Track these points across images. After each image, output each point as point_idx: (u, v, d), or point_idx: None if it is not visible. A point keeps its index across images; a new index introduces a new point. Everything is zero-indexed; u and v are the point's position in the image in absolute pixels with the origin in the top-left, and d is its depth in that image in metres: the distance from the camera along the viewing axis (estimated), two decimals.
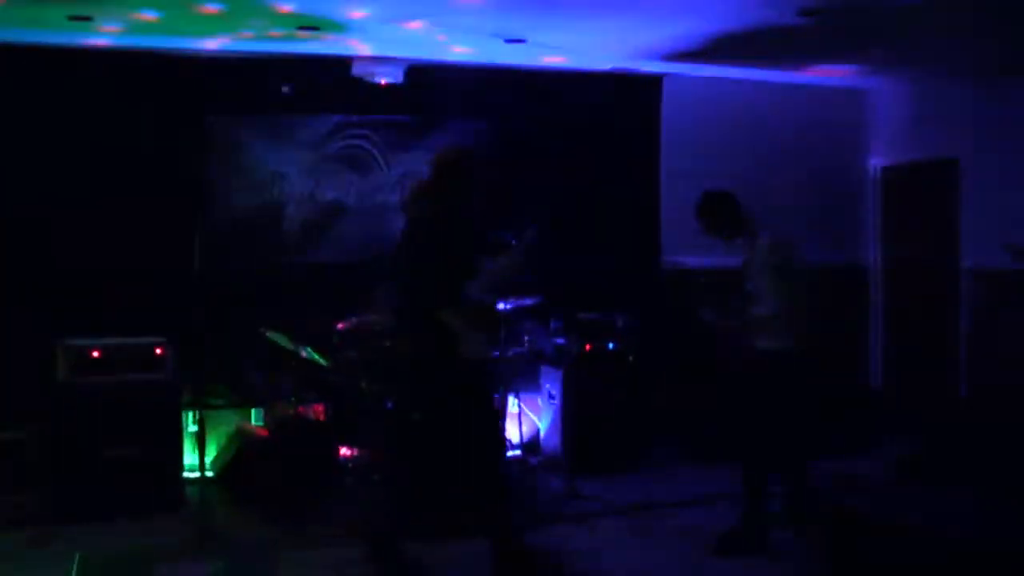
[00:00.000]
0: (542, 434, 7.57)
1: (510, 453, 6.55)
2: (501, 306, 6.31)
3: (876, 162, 8.86)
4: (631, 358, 7.41)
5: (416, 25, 6.20)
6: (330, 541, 5.55)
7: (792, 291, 5.43)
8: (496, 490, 5.11)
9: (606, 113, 7.98)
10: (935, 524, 4.01)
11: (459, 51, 7.09)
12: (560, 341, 7.38)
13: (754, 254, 5.50)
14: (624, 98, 8.07)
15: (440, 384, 5.01)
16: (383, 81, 7.34)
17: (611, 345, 7.44)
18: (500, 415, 5.60)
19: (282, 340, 6.30)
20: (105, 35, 6.36)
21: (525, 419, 7.32)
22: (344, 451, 6.22)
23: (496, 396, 5.63)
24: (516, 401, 6.74)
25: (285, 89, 7.18)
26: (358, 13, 5.90)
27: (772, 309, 5.38)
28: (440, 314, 4.89)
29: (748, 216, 5.60)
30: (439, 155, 5.21)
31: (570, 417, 7.08)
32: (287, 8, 5.76)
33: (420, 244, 4.99)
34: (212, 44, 6.69)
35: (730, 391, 5.87)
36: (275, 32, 6.36)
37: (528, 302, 6.65)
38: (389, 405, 6.04)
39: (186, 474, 6.45)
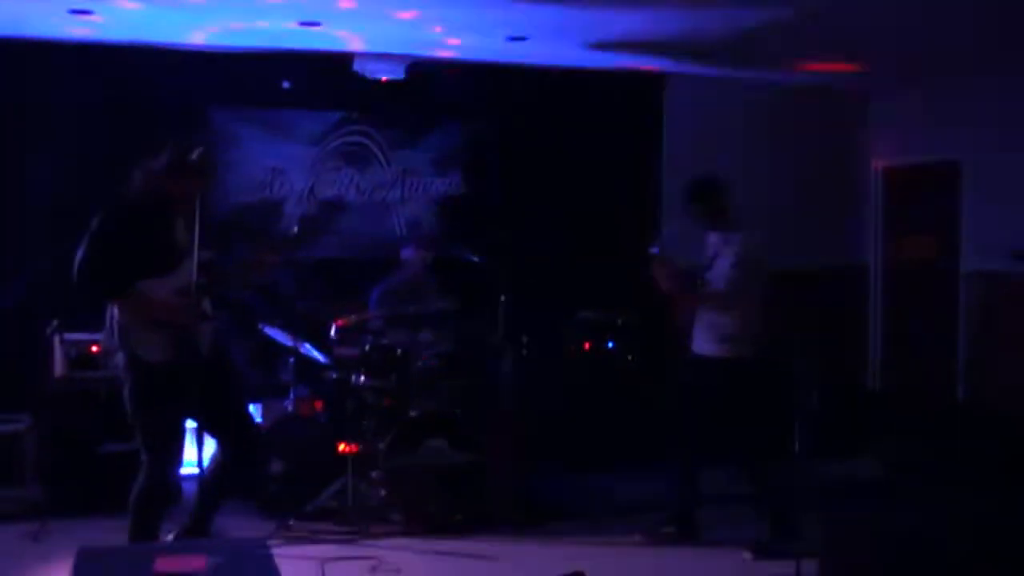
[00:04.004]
0: None
1: None
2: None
3: (878, 164, 8.85)
4: (630, 357, 7.40)
5: (414, 16, 6.18)
6: (326, 537, 5.56)
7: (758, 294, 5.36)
8: None
9: (609, 111, 7.95)
10: (928, 524, 4.02)
11: (461, 48, 7.08)
12: None
13: (727, 249, 5.42)
14: (627, 96, 8.05)
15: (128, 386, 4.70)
16: (384, 78, 7.32)
17: (611, 344, 7.43)
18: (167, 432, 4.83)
19: (281, 335, 6.29)
20: (105, 29, 6.36)
21: None
22: (342, 447, 6.21)
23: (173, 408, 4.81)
24: None
25: (286, 85, 7.18)
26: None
27: (734, 306, 5.33)
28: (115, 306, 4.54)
29: (732, 209, 5.54)
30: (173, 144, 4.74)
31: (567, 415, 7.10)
32: None
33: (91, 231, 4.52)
34: (212, 39, 6.69)
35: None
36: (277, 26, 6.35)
37: None
38: None
39: (184, 469, 6.43)
